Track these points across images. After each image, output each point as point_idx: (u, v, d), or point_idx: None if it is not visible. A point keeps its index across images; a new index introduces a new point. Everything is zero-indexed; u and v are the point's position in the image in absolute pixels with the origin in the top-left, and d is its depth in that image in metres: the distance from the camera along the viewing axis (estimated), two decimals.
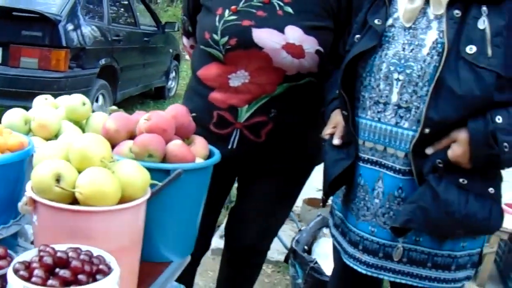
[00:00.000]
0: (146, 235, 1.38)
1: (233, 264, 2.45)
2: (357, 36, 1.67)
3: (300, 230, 3.54)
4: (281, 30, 1.88)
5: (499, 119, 1.42)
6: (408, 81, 1.54)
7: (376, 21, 1.61)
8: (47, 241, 1.07)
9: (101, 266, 1.01)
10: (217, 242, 3.62)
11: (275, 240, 3.75)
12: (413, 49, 1.55)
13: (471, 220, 1.51)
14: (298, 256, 3.10)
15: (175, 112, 1.58)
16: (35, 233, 1.23)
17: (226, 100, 1.99)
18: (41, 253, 1.01)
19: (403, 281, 1.66)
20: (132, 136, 1.50)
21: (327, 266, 2.83)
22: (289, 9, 1.90)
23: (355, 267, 1.73)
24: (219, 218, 2.43)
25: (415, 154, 1.53)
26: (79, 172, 1.19)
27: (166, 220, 1.47)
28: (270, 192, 2.20)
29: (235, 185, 2.39)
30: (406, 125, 1.56)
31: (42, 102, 1.78)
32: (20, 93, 5.17)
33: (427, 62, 1.51)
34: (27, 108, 1.69)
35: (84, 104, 1.69)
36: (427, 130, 1.49)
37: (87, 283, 0.96)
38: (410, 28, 1.57)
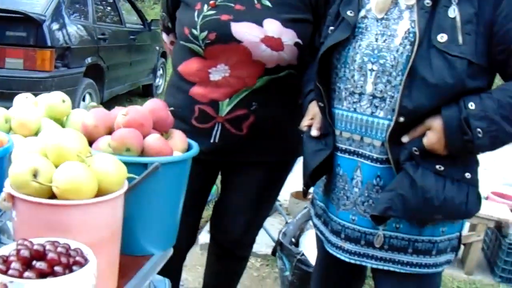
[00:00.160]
0: (127, 228, 1.40)
1: (219, 258, 2.47)
2: (331, 28, 1.69)
3: (287, 223, 3.56)
4: (260, 24, 1.90)
5: (471, 106, 1.44)
6: (382, 71, 1.56)
7: (348, 13, 1.63)
8: (27, 235, 1.08)
9: (78, 258, 1.03)
10: (206, 237, 3.63)
11: (263, 233, 3.79)
12: (385, 39, 1.57)
13: (449, 205, 1.53)
14: (285, 249, 3.12)
15: (153, 106, 1.59)
16: (14, 228, 1.24)
17: (207, 94, 2.01)
18: (19, 247, 1.02)
19: (386, 268, 1.69)
20: (111, 132, 1.51)
21: (314, 257, 2.85)
22: (267, 3, 1.92)
23: (338, 256, 1.76)
24: (208, 213, 2.45)
25: (391, 142, 1.55)
26: (56, 167, 1.20)
27: (145, 213, 1.48)
28: (253, 185, 2.22)
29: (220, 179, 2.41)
30: (382, 114, 1.58)
31: (23, 100, 1.79)
32: (6, 93, 5.15)
33: (399, 52, 1.53)
34: None
35: (64, 101, 1.70)
36: (401, 119, 1.51)
37: (64, 274, 0.97)
38: (382, 19, 1.59)
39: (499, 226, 4.04)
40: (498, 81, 1.56)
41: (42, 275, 0.96)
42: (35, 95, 1.83)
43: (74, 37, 6.02)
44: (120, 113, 1.51)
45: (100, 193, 1.21)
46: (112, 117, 1.56)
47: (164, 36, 2.40)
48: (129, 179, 1.35)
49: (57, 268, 0.98)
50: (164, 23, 2.31)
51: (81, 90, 6.09)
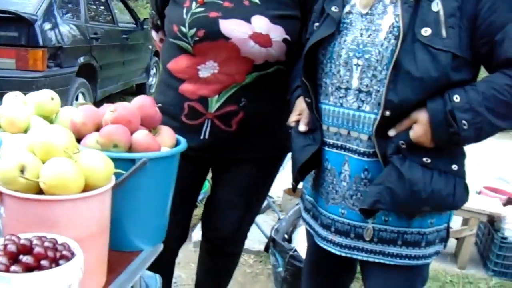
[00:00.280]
0: (116, 224, 1.41)
1: (211, 254, 2.48)
2: (316, 24, 1.71)
3: (279, 219, 3.57)
4: (248, 20, 1.91)
5: (456, 98, 1.46)
6: (367, 65, 1.58)
7: (333, 9, 1.64)
8: (15, 231, 1.09)
9: (64, 252, 1.04)
10: (199, 234, 3.61)
11: (256, 230, 3.81)
12: (370, 34, 1.58)
13: (437, 197, 1.55)
14: (277, 245, 3.13)
15: (141, 103, 1.60)
16: (3, 224, 1.25)
17: (196, 91, 2.02)
18: (6, 242, 1.03)
19: (376, 260, 1.70)
20: (99, 128, 1.52)
21: None
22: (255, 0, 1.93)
23: (329, 249, 1.77)
24: (202, 211, 2.45)
25: (378, 136, 1.57)
26: (44, 163, 1.21)
27: (134, 209, 1.49)
28: (243, 181, 2.23)
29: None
30: (368, 108, 1.59)
31: (12, 99, 1.79)
32: None
33: (384, 46, 1.54)
34: None
35: (52, 99, 1.70)
36: (387, 113, 1.52)
37: (50, 268, 0.99)
38: (367, 14, 1.61)
39: (492, 221, 4.06)
40: (483, 73, 1.58)
41: (28, 269, 0.98)
42: None
43: (67, 37, 6.01)
44: (108, 110, 1.52)
45: (87, 188, 1.22)
46: (100, 114, 1.57)
47: (153, 33, 2.41)
48: (118, 175, 1.36)
49: (44, 262, 0.99)
50: (154, 20, 2.32)
51: (74, 89, 6.09)
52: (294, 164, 1.81)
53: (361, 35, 1.60)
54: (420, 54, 1.46)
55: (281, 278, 3.12)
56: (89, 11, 6.89)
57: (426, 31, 1.46)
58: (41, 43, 5.47)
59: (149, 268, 1.88)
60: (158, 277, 1.86)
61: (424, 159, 1.54)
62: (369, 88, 1.58)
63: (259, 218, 4.08)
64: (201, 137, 2.06)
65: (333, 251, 1.76)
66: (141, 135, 1.49)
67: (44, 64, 5.49)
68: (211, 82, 1.99)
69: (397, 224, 1.66)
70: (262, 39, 1.91)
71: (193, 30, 1.92)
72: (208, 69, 1.98)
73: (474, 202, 4.08)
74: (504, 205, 4.20)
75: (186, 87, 2.03)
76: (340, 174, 1.69)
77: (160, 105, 1.70)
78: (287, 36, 1.95)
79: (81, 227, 1.19)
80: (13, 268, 0.96)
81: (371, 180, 1.63)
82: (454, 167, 1.58)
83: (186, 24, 1.93)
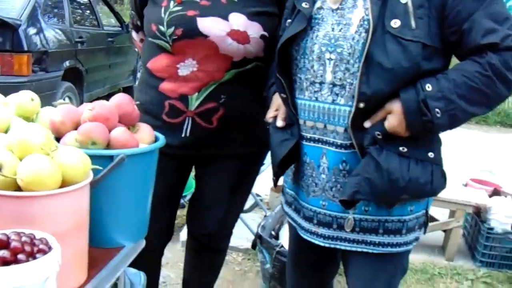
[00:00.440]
0: (97, 220, 1.43)
1: (197, 251, 2.49)
2: (288, 20, 1.73)
3: (265, 216, 3.59)
4: (225, 18, 1.93)
5: (428, 87, 1.49)
6: (340, 59, 1.60)
7: (303, 5, 1.67)
8: None
9: (41, 247, 1.05)
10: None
11: (244, 228, 3.83)
12: (341, 28, 1.61)
13: (415, 185, 1.58)
14: (264, 241, 3.15)
15: (119, 101, 1.62)
16: None
17: (176, 89, 2.04)
18: None
19: (359, 249, 1.73)
20: (78, 127, 1.54)
21: None
22: None
23: (312, 241, 1.79)
24: None
25: (354, 128, 1.59)
26: (21, 160, 1.23)
27: (114, 205, 1.51)
28: (225, 178, 2.25)
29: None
30: (342, 101, 1.62)
31: None
32: None
33: (355, 40, 1.57)
34: None
35: (32, 100, 1.72)
36: (361, 105, 1.54)
37: (27, 262, 1.00)
38: (337, 8, 1.63)
39: (478, 212, 4.11)
40: (455, 61, 1.61)
41: (5, 263, 0.99)
42: None
43: (51, 41, 6.00)
44: (86, 108, 1.54)
45: (65, 184, 1.24)
46: (79, 113, 1.59)
47: (134, 34, 2.43)
48: (97, 172, 1.38)
49: (20, 256, 1.01)
50: (133, 21, 2.34)
51: (60, 93, 6.07)
52: (274, 160, 1.83)
53: (333, 29, 1.62)
54: (391, 45, 1.49)
55: (268, 274, 3.13)
56: (73, 15, 6.88)
57: (395, 23, 1.49)
58: (25, 48, 5.46)
59: (135, 268, 1.90)
60: (142, 274, 1.88)
61: (401, 148, 1.57)
62: (343, 81, 1.61)
63: (247, 216, 4.10)
64: (183, 135, 2.08)
65: (316, 242, 1.78)
66: (119, 132, 1.51)
67: (29, 69, 5.48)
68: (190, 80, 2.01)
69: (378, 213, 1.69)
70: (239, 36, 1.94)
71: (172, 29, 1.94)
72: (187, 67, 1.99)
73: (460, 194, 4.12)
74: (490, 196, 4.24)
75: (166, 86, 2.05)
76: (319, 167, 1.72)
77: (138, 102, 1.72)
78: (264, 33, 1.97)
79: (59, 222, 1.21)
80: None
81: (350, 172, 1.65)
82: (431, 154, 1.61)
83: (165, 23, 1.95)
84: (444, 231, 4.18)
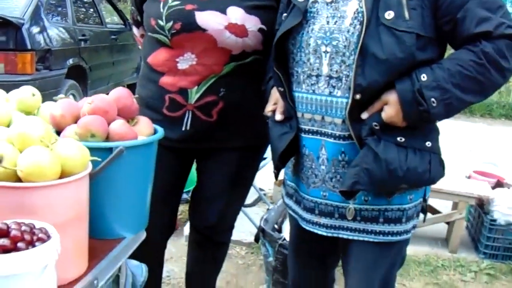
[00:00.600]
0: (97, 212, 1.46)
1: (199, 244, 2.51)
2: (284, 14, 1.75)
3: (268, 209, 3.60)
4: (223, 11, 1.95)
5: (424, 77, 1.51)
6: (336, 52, 1.62)
7: None
8: None
9: (41, 235, 1.08)
10: None
11: (248, 222, 3.85)
12: (336, 21, 1.63)
13: (413, 174, 1.60)
14: (267, 235, 3.16)
15: (117, 95, 1.65)
16: None
17: (176, 83, 2.06)
18: None
19: (360, 238, 1.75)
20: (78, 121, 1.56)
21: None
22: None
23: (315, 231, 1.81)
24: None
25: (352, 119, 1.61)
26: (21, 152, 1.25)
27: (114, 197, 1.53)
28: (226, 170, 2.26)
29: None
30: (339, 93, 1.64)
31: None
32: None
33: (350, 32, 1.59)
34: None
35: (33, 95, 1.75)
36: (358, 96, 1.56)
37: (26, 250, 1.02)
38: (332, 2, 1.65)
39: (481, 204, 4.11)
40: (450, 50, 1.63)
41: (5, 251, 1.01)
42: None
43: (55, 39, 6.03)
44: (85, 102, 1.56)
45: (64, 175, 1.26)
46: (79, 107, 1.61)
47: (134, 30, 2.46)
48: (96, 164, 1.40)
49: (20, 244, 1.03)
50: (134, 16, 2.37)
51: (64, 91, 6.09)
52: (274, 153, 1.85)
53: (328, 22, 1.64)
54: (385, 37, 1.50)
55: (271, 267, 3.14)
56: (76, 13, 6.91)
57: (389, 15, 1.51)
58: (29, 47, 5.48)
59: (138, 261, 1.92)
60: (144, 266, 1.90)
61: (398, 138, 1.59)
62: (339, 73, 1.62)
63: (251, 211, 4.12)
64: (183, 129, 2.10)
65: (319, 232, 1.80)
66: (118, 125, 1.53)
67: (33, 67, 5.50)
68: (190, 73, 2.03)
69: (377, 203, 1.71)
70: (237, 30, 1.95)
71: (170, 23, 1.96)
72: (186, 61, 2.01)
73: (463, 186, 4.13)
74: (493, 188, 4.25)
75: (166, 80, 2.07)
76: (318, 159, 1.73)
77: (137, 96, 1.74)
78: (262, 26, 1.99)
79: (58, 213, 1.23)
80: None
81: (349, 162, 1.67)
82: (428, 143, 1.63)
83: (163, 18, 1.97)
84: (447, 223, 4.19)
